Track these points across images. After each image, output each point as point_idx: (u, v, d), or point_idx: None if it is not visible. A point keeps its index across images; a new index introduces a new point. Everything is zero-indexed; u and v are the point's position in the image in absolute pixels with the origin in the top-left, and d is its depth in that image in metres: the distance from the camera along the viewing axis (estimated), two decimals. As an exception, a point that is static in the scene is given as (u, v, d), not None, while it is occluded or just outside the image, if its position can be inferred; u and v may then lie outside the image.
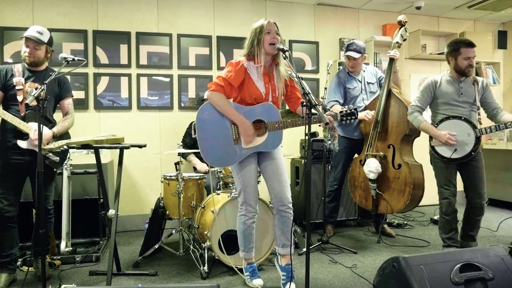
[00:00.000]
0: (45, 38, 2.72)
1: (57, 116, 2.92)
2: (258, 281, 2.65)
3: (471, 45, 3.02)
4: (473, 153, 2.98)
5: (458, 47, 3.02)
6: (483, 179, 3.09)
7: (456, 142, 2.98)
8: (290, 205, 2.59)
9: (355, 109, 2.46)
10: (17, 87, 2.68)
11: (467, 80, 3.09)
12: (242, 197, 2.62)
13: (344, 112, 2.45)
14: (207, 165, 3.81)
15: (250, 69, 2.52)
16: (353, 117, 2.46)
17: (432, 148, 3.13)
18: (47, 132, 2.69)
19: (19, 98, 2.67)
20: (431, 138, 3.15)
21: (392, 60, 3.56)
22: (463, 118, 3.00)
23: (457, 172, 3.15)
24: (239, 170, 2.58)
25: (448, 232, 3.15)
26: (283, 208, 2.58)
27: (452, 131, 3.01)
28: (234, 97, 2.58)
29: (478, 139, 2.95)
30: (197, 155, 3.86)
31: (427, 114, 3.20)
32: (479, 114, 3.08)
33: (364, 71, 3.85)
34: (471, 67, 3.04)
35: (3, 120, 2.59)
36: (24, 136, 2.64)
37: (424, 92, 3.16)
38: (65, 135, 2.85)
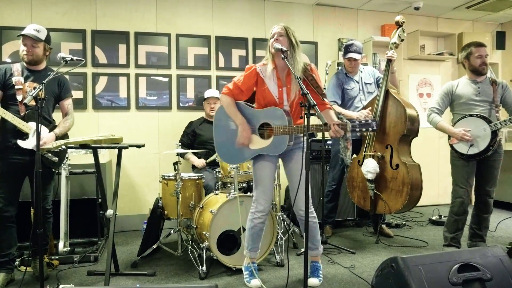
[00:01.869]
0: (42, 36, 2.72)
1: (56, 116, 2.92)
2: (255, 282, 2.66)
3: (480, 45, 3.15)
4: (491, 147, 3.01)
5: (469, 48, 3.16)
6: (494, 179, 3.15)
7: (471, 137, 3.04)
8: (303, 212, 2.60)
9: (374, 120, 2.31)
10: (16, 87, 2.68)
11: (485, 80, 3.16)
12: (254, 193, 2.67)
13: (357, 122, 2.32)
14: (205, 160, 3.83)
15: (264, 73, 2.56)
16: (369, 128, 2.28)
17: (451, 146, 3.20)
18: (50, 135, 2.70)
19: (19, 97, 2.67)
20: (449, 137, 3.22)
21: (389, 61, 3.56)
22: (478, 115, 3.06)
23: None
24: (253, 166, 2.66)
25: (453, 232, 3.19)
26: (298, 214, 2.65)
27: (467, 127, 3.07)
28: (245, 99, 2.65)
29: (494, 133, 2.99)
30: (194, 152, 3.87)
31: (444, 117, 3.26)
32: (497, 112, 3.11)
33: (361, 71, 3.85)
34: (485, 65, 3.13)
35: (2, 120, 2.58)
36: (24, 136, 2.64)
37: (442, 96, 3.27)
38: (64, 135, 2.85)
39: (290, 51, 2.43)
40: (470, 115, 3.10)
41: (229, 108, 2.58)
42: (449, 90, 3.24)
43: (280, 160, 2.79)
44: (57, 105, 2.92)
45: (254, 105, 2.69)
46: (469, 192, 3.15)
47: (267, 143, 2.53)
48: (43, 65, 2.82)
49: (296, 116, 2.54)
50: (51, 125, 2.82)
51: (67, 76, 3.20)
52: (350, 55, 3.68)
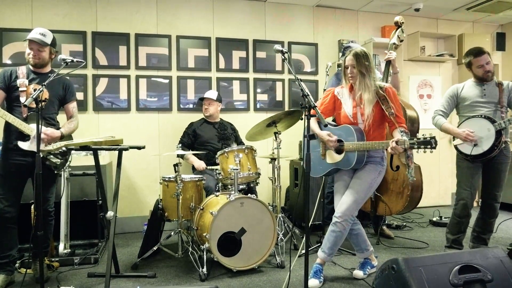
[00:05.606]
0: (48, 40, 2.75)
1: (60, 118, 2.93)
2: (313, 282, 2.67)
3: (479, 53, 3.10)
4: (496, 147, 2.98)
5: (468, 60, 3.14)
6: (501, 182, 3.12)
7: (475, 137, 3.01)
8: (338, 219, 2.63)
9: (433, 137, 2.26)
10: (20, 89, 2.69)
11: (490, 82, 3.14)
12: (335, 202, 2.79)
13: (415, 140, 2.31)
14: (205, 163, 3.82)
15: (342, 94, 2.77)
16: (428, 146, 2.25)
17: (456, 147, 3.18)
18: (55, 132, 2.72)
19: (22, 99, 2.68)
20: (454, 138, 3.22)
21: (389, 62, 3.56)
22: (482, 116, 3.05)
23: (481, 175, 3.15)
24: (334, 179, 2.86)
25: (455, 233, 3.18)
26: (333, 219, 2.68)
27: (471, 128, 3.05)
28: (328, 117, 2.88)
29: (499, 133, 2.97)
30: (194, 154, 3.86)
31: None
32: (502, 112, 3.09)
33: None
34: (489, 72, 3.10)
35: (7, 121, 2.59)
36: (26, 137, 2.65)
37: (447, 98, 3.26)
38: (68, 136, 2.86)
39: (360, 77, 2.62)
40: (474, 116, 3.08)
41: (312, 126, 2.77)
42: (454, 93, 3.22)
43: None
44: (61, 107, 2.94)
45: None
46: (473, 195, 3.11)
47: (340, 158, 2.68)
48: (48, 68, 2.85)
49: (372, 133, 2.63)
50: (54, 127, 2.82)
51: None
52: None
